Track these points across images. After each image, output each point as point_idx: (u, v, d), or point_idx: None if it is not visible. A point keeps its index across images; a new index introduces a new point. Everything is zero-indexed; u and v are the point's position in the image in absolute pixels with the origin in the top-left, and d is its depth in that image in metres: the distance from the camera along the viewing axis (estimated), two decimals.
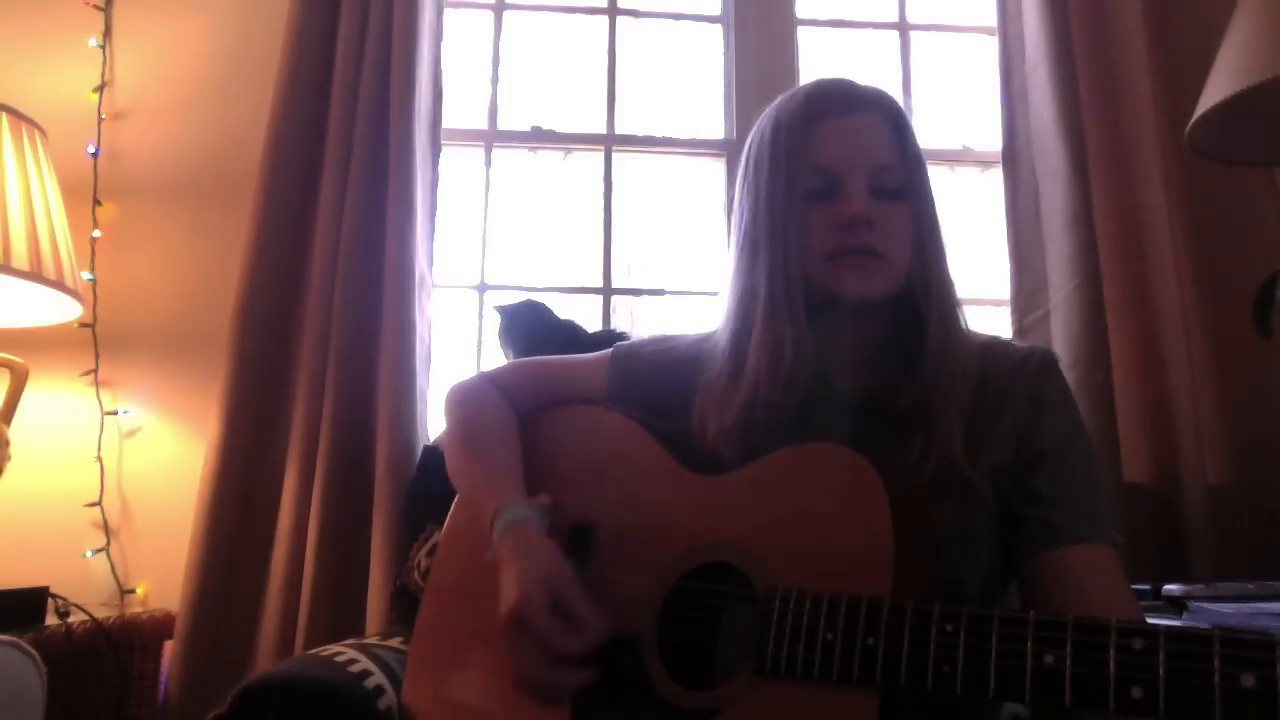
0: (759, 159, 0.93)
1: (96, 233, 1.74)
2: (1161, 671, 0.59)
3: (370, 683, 0.96)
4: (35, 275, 1.46)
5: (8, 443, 1.48)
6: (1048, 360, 0.89)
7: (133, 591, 1.65)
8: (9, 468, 1.48)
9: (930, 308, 0.88)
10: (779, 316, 0.88)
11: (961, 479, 0.83)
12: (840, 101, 0.91)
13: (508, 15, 2.04)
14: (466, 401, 1.04)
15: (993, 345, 0.92)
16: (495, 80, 1.99)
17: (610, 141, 1.97)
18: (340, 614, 1.49)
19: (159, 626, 1.51)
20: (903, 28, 2.08)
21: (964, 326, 0.92)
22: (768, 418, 0.87)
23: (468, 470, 0.97)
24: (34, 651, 1.15)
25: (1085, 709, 0.62)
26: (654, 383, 1.00)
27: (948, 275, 0.91)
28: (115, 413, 1.70)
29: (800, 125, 0.90)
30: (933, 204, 0.92)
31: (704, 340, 0.99)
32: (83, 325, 1.69)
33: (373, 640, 1.15)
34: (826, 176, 0.89)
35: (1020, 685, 0.64)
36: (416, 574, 1.38)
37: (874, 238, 0.87)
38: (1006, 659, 0.64)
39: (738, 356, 0.91)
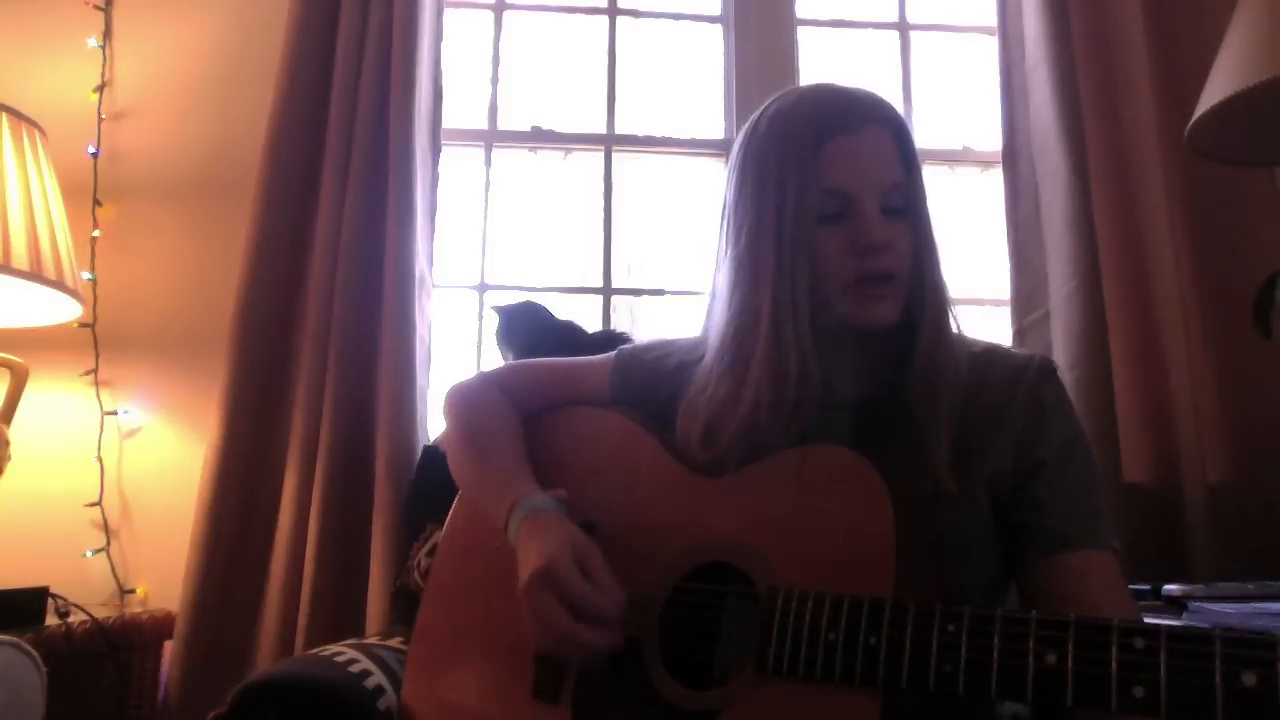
0: (761, 173, 0.89)
1: (96, 233, 1.74)
2: (1163, 671, 0.59)
3: (370, 683, 0.96)
4: (35, 275, 1.46)
5: (8, 443, 1.48)
6: (1046, 368, 0.89)
7: (132, 591, 1.65)
8: (9, 468, 1.48)
9: (925, 315, 0.87)
10: (785, 346, 0.85)
11: (952, 485, 0.82)
12: (847, 116, 0.87)
13: (508, 15, 2.04)
14: (469, 402, 1.04)
15: (992, 353, 0.91)
16: (495, 80, 1.99)
17: (610, 141, 1.98)
18: (340, 614, 1.49)
19: (159, 626, 1.51)
20: (903, 28, 2.08)
21: (956, 331, 0.90)
22: (762, 442, 0.86)
23: (475, 470, 0.96)
24: (34, 651, 1.15)
25: (1087, 708, 0.62)
26: (654, 389, 0.99)
27: (942, 282, 0.89)
28: (115, 413, 1.70)
29: (811, 144, 0.86)
30: (929, 212, 0.90)
31: (694, 349, 0.98)
32: (83, 325, 1.69)
33: (373, 640, 1.15)
34: (838, 199, 0.86)
35: (1022, 685, 0.64)
36: (416, 574, 1.38)
37: (890, 261, 0.85)
38: (1008, 659, 0.64)
39: (735, 382, 0.87)
